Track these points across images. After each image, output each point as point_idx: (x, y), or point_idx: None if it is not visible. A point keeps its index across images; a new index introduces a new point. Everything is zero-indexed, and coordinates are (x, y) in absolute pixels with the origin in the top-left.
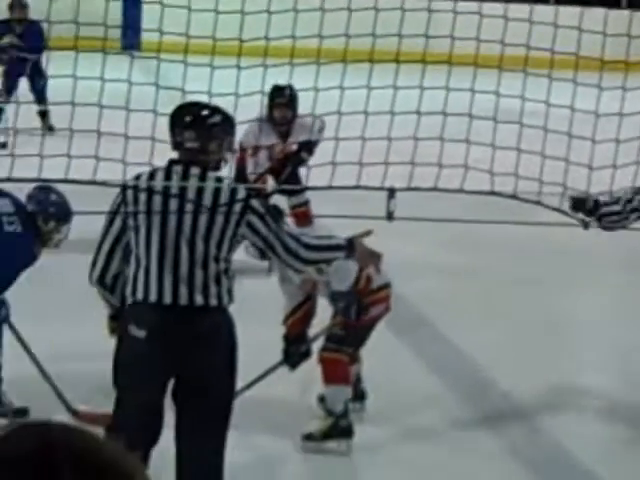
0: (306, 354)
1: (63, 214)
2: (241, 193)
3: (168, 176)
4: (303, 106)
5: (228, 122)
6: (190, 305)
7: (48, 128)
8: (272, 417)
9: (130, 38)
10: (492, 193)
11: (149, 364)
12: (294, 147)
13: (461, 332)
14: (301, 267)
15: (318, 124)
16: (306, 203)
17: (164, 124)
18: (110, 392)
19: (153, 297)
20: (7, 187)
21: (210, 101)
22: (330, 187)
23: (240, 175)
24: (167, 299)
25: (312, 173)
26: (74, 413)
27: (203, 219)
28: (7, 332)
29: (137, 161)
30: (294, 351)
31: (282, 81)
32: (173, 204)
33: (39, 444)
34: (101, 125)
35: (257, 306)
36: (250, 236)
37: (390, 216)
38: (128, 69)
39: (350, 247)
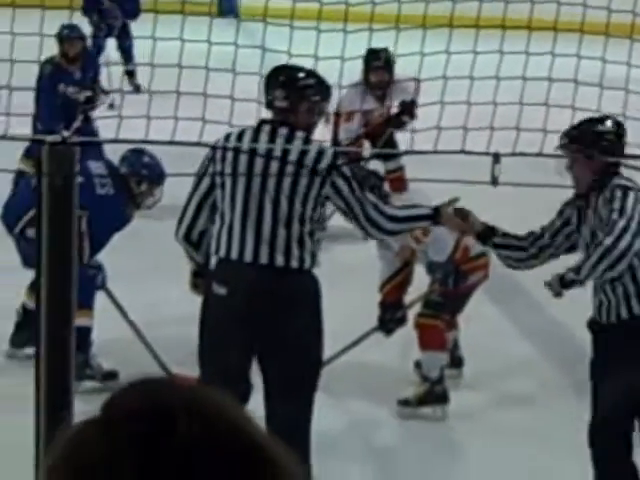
0: (402, 321)
1: (156, 176)
2: (328, 153)
3: (256, 135)
4: (408, 71)
5: (322, 86)
6: (270, 265)
7: (135, 87)
8: (367, 382)
9: (228, 2)
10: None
11: (230, 322)
12: (393, 111)
13: (558, 301)
14: (380, 236)
15: (414, 86)
16: (401, 168)
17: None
18: None
19: (235, 255)
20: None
21: (316, 65)
22: (435, 152)
23: (334, 140)
24: (248, 257)
25: (416, 137)
26: (169, 376)
27: (288, 178)
28: (101, 297)
29: (242, 124)
30: (390, 317)
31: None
32: (259, 163)
33: (152, 398)
34: (207, 88)
35: (353, 272)
36: (333, 197)
37: (495, 181)
38: (230, 33)
39: (436, 215)
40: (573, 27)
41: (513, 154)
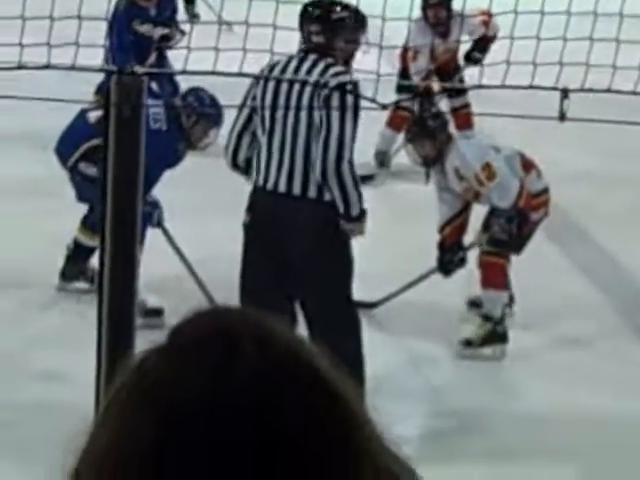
0: (461, 262)
1: (209, 114)
2: (332, 80)
3: (287, 64)
4: (478, 6)
5: (358, 18)
6: (288, 193)
7: (192, 16)
8: (425, 321)
9: None
10: None
11: (253, 251)
12: (455, 45)
13: (617, 242)
14: (315, 176)
15: (478, 20)
16: (467, 105)
17: None
18: None
19: (260, 183)
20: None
21: None
22: (502, 86)
23: (404, 74)
24: (270, 185)
25: (484, 72)
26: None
27: (305, 103)
28: (151, 233)
29: None
30: (450, 259)
31: None
32: (283, 90)
33: (218, 325)
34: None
35: (412, 212)
36: (323, 116)
37: (563, 117)
38: None
39: (360, 217)
40: None
41: (582, 90)
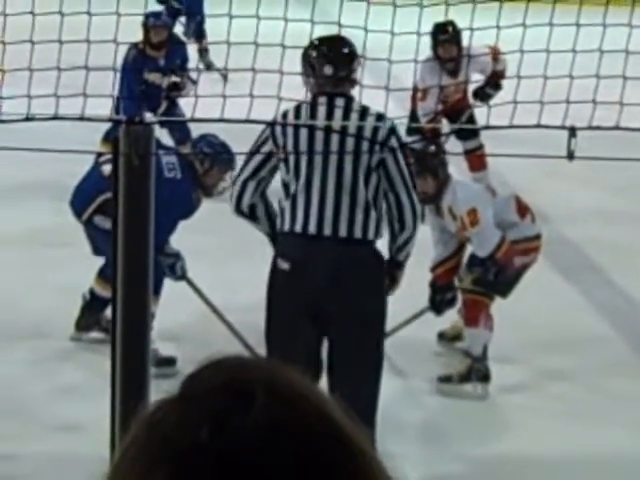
0: (452, 302)
1: (222, 158)
2: (386, 124)
3: (314, 108)
4: (484, 42)
5: (354, 49)
6: (334, 236)
7: (207, 65)
8: (406, 358)
9: None
10: None
11: (295, 297)
12: (464, 85)
13: (631, 278)
14: (398, 225)
15: (487, 57)
16: (481, 147)
17: None
18: None
19: (298, 228)
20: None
21: (392, 41)
22: (511, 126)
23: (413, 116)
24: (312, 229)
25: (492, 112)
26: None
27: (349, 146)
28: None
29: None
30: (441, 299)
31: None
32: (319, 135)
33: (230, 374)
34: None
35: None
36: (381, 171)
37: (571, 156)
38: (305, 10)
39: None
40: None
41: (589, 127)
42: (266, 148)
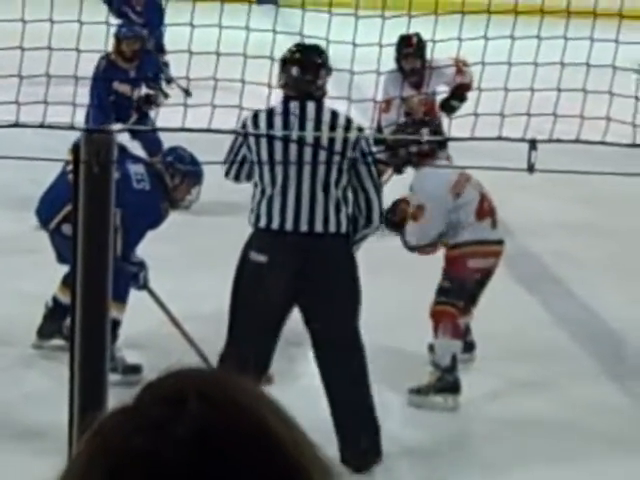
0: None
1: (191, 172)
2: (354, 125)
3: (286, 111)
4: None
5: (327, 59)
6: (310, 232)
7: (167, 80)
8: (378, 368)
9: None
10: (635, 145)
11: (269, 288)
12: (431, 97)
13: (591, 289)
14: (367, 225)
15: (452, 69)
16: (448, 158)
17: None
18: None
19: (275, 225)
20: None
21: (354, 52)
22: (472, 138)
23: (379, 129)
24: (289, 226)
25: (453, 124)
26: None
27: (323, 148)
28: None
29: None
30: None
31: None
32: (293, 136)
33: (169, 384)
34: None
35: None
36: (351, 173)
37: (531, 168)
38: (269, 21)
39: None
40: (612, 12)
41: (550, 140)
42: (243, 151)
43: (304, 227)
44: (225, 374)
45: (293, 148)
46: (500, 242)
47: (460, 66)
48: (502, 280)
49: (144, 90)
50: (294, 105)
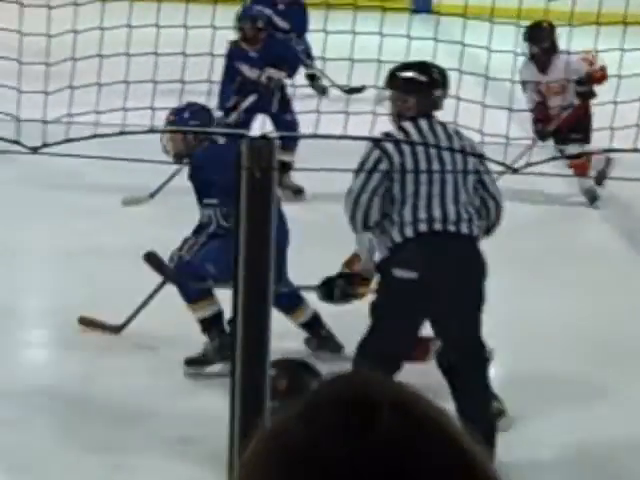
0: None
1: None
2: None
3: (418, 128)
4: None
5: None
6: (457, 233)
7: (321, 91)
8: None
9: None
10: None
11: (419, 305)
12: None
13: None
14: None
15: (578, 57)
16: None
17: None
18: None
19: (424, 227)
20: None
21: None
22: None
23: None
24: (438, 226)
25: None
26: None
27: (458, 158)
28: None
29: None
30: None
31: None
32: (433, 151)
33: (357, 389)
34: None
35: None
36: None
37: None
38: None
39: None
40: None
41: None
42: (382, 166)
43: (452, 228)
44: (415, 389)
45: (435, 160)
46: None
47: (588, 56)
48: None
49: (267, 72)
50: (423, 123)
